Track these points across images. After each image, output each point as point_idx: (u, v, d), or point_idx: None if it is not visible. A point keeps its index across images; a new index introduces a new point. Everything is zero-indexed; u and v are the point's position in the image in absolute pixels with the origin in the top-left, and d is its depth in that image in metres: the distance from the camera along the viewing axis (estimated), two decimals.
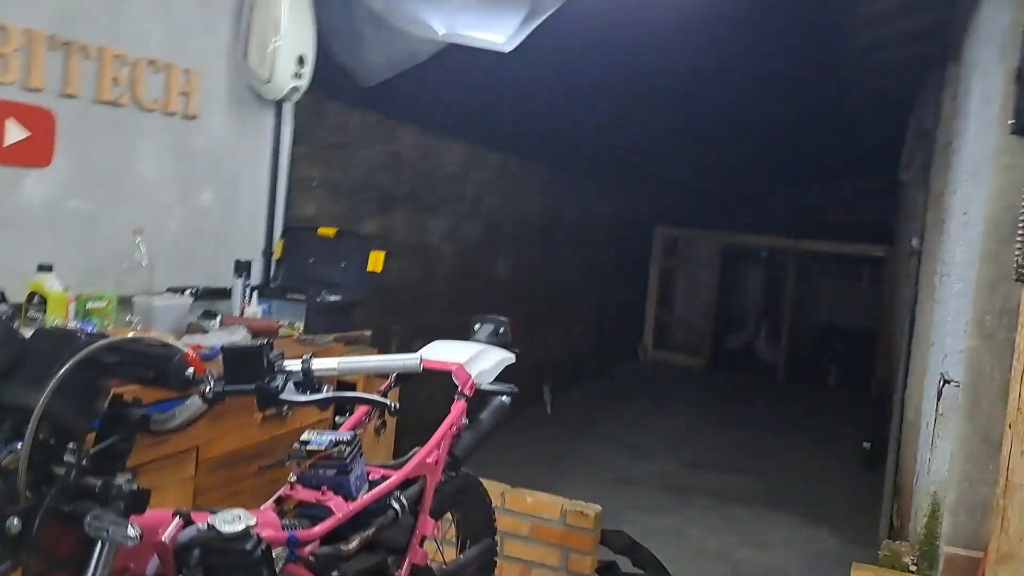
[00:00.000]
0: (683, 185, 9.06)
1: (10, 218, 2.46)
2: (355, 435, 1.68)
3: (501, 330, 2.29)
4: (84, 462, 1.01)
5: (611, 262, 8.25)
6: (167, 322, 2.75)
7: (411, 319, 4.82)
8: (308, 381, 1.12)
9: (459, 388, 1.95)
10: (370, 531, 1.63)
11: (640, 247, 9.23)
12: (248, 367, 1.09)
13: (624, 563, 3.32)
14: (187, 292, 2.99)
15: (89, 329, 1.13)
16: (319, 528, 1.53)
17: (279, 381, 1.09)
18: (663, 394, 7.86)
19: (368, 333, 3.10)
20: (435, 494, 1.93)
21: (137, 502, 1.04)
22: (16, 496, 0.93)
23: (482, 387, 2.01)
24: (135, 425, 1.09)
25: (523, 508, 3.03)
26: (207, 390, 1.06)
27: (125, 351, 1.07)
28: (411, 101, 4.23)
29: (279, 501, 1.62)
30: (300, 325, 3.06)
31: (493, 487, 3.06)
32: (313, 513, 1.59)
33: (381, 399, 1.32)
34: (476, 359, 2.08)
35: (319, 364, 1.13)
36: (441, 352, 2.08)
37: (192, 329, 2.83)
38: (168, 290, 2.96)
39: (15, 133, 2.44)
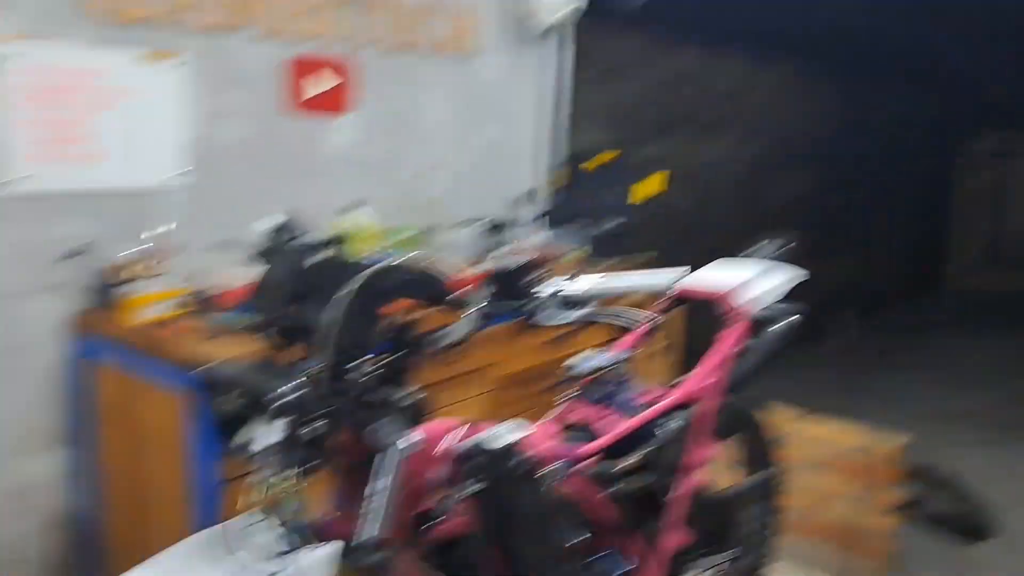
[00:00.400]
0: (1013, 82, 7.84)
1: (324, 162, 2.75)
2: (626, 357, 1.69)
3: (784, 248, 2.16)
4: (374, 376, 1.12)
5: (918, 179, 7.42)
6: (462, 251, 2.94)
7: (690, 243, 4.72)
8: (566, 303, 1.14)
9: (734, 312, 1.88)
10: (645, 450, 1.64)
11: (951, 161, 8.19)
12: (510, 289, 1.13)
13: (935, 502, 3.06)
14: (480, 223, 3.17)
15: (387, 259, 1.24)
16: (595, 444, 1.56)
17: (533, 304, 1.12)
18: (980, 322, 7.01)
19: (653, 255, 3.08)
20: (711, 419, 1.89)
21: (417, 413, 1.13)
22: (320, 403, 1.06)
23: (761, 310, 1.92)
24: (416, 343, 1.18)
25: (821, 437, 2.89)
26: (470, 311, 1.12)
27: (398, 277, 1.17)
28: (688, 16, 4.06)
29: (559, 419, 1.69)
30: (583, 250, 3.12)
31: (789, 414, 2.95)
32: (585, 431, 1.64)
33: (626, 319, 1.29)
34: (755, 281, 1.97)
35: (571, 287, 1.15)
36: (719, 273, 2.01)
37: (484, 257, 3.01)
38: (464, 222, 3.16)
39: (323, 84, 2.70)
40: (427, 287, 1.17)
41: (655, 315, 1.97)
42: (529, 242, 3.14)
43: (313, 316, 1.07)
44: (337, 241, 1.28)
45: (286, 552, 1.05)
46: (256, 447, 1.06)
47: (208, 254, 2.17)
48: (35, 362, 2.17)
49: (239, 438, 1.07)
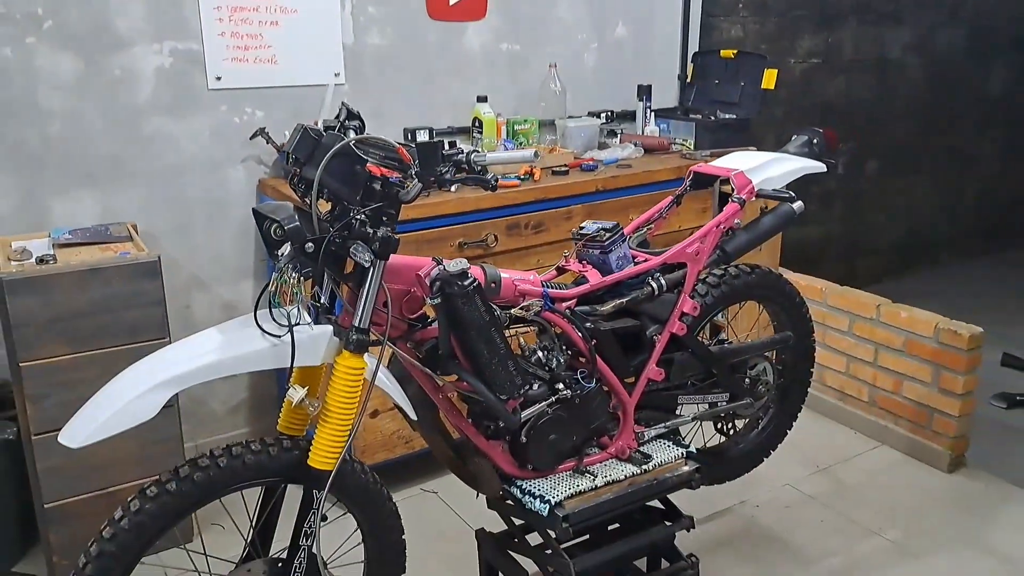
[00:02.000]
0: None
1: (457, 61, 3.28)
2: (617, 224, 2.09)
3: (815, 141, 2.38)
4: (359, 219, 1.65)
5: None
6: (579, 140, 3.36)
7: (863, 139, 4.71)
8: (470, 167, 1.58)
9: (734, 191, 2.19)
10: (622, 299, 2.07)
11: None
12: (429, 158, 1.58)
13: None
14: (602, 115, 3.56)
15: (463, 151, 1.63)
16: (572, 291, 2.02)
17: (444, 168, 1.58)
18: None
19: (752, 148, 3.31)
20: (713, 283, 2.25)
21: (386, 245, 1.65)
22: (312, 229, 1.62)
23: (762, 192, 2.21)
24: (391, 196, 1.68)
25: (897, 322, 3.06)
26: (411, 173, 1.60)
27: (369, 146, 1.67)
28: None
29: (559, 270, 2.15)
30: (690, 142, 3.42)
31: (869, 299, 3.15)
32: (579, 281, 2.09)
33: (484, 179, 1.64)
34: (764, 167, 2.25)
35: (475, 156, 1.58)
36: (733, 160, 2.31)
37: (600, 146, 3.41)
38: (588, 114, 3.57)
39: None
40: (387, 155, 1.66)
41: (679, 197, 2.34)
42: (642, 133, 3.50)
43: (310, 172, 1.62)
44: (354, 116, 1.79)
45: (296, 324, 1.64)
46: (281, 258, 1.65)
47: None
48: (234, 214, 2.97)
49: (277, 253, 1.67)
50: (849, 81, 4.58)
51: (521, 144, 3.24)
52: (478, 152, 1.63)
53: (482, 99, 3.20)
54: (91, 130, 2.68)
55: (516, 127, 3.28)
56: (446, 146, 1.62)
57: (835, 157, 2.39)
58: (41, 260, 2.34)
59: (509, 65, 3.39)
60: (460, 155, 1.62)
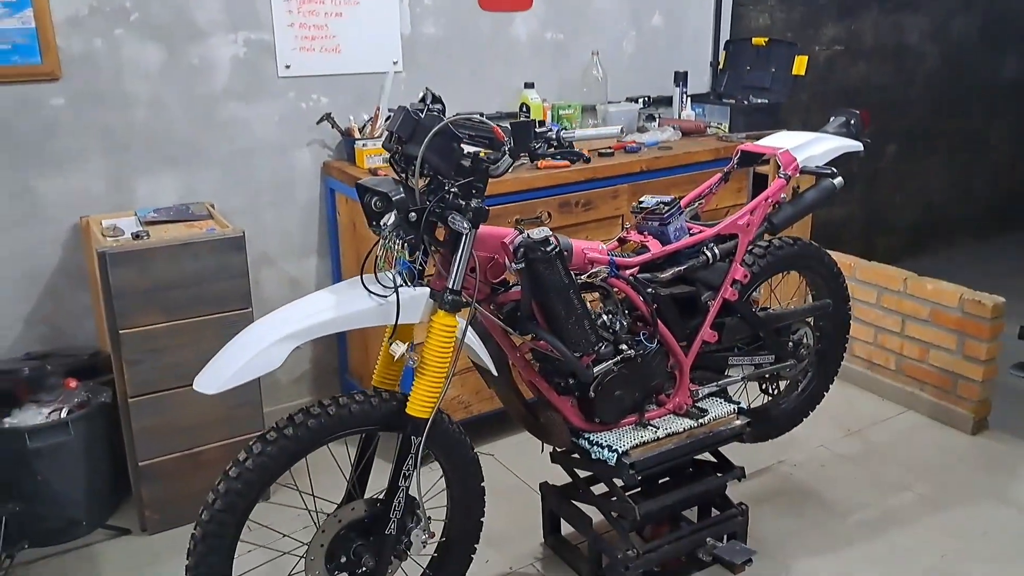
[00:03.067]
0: None
1: (505, 50, 3.46)
2: (675, 198, 2.28)
3: (852, 121, 2.56)
4: (453, 192, 1.83)
5: None
6: (619, 123, 3.53)
7: (882, 123, 4.88)
8: (560, 143, 1.77)
9: (781, 168, 2.37)
10: (681, 267, 2.26)
11: None
12: (523, 136, 1.76)
13: None
14: (640, 100, 3.74)
15: (554, 128, 1.78)
16: (635, 259, 2.21)
17: (538, 144, 1.76)
18: None
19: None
20: (759, 254, 2.44)
21: (479, 214, 1.83)
22: (414, 200, 1.80)
23: (806, 169, 2.39)
24: (480, 171, 1.87)
25: (923, 294, 3.24)
26: (505, 150, 1.79)
27: (466, 126, 1.85)
28: None
29: (621, 241, 2.34)
30: (725, 125, 3.59)
31: (897, 273, 3.33)
32: (640, 252, 2.28)
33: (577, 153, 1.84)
34: (807, 145, 2.44)
35: (564, 133, 1.77)
36: (777, 139, 2.49)
37: (639, 129, 3.59)
38: (626, 99, 3.75)
39: None
40: (481, 133, 1.84)
41: (728, 175, 2.52)
42: (679, 118, 3.68)
43: (412, 152, 1.81)
44: (437, 99, 1.97)
45: (400, 286, 1.83)
46: (384, 227, 1.84)
47: None
48: (300, 194, 3.16)
49: (382, 222, 1.86)
50: (869, 67, 4.75)
51: (565, 128, 3.41)
52: (567, 129, 1.82)
53: (529, 85, 3.38)
54: (172, 116, 2.87)
55: (560, 112, 3.46)
56: (537, 125, 1.80)
57: (870, 136, 2.56)
58: (136, 236, 2.53)
59: (553, 53, 3.56)
60: (551, 132, 1.81)
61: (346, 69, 3.11)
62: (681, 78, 3.66)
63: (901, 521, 2.67)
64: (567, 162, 3.02)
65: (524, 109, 3.39)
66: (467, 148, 1.88)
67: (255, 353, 1.74)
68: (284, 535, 2.22)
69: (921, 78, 5.05)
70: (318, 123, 3.08)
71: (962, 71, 5.22)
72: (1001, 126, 5.65)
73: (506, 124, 1.81)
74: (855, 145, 2.51)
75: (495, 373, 2.05)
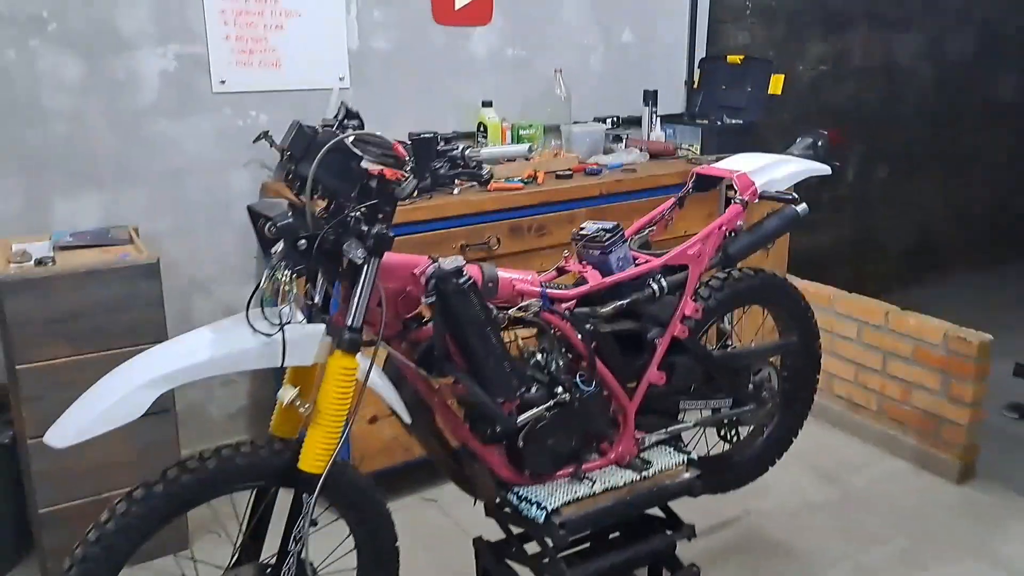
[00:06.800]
0: None
1: (462, 66, 3.26)
2: (617, 224, 2.06)
3: (819, 143, 2.35)
4: (353, 216, 1.63)
5: None
6: (583, 145, 3.34)
7: (869, 144, 4.67)
8: (465, 163, 1.56)
9: (737, 193, 2.16)
10: (624, 301, 2.03)
11: None
12: (425, 154, 1.56)
13: None
14: (607, 121, 3.54)
15: (458, 146, 1.60)
16: (571, 291, 1.99)
17: (439, 163, 1.56)
18: None
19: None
20: (716, 286, 2.22)
21: (381, 242, 1.62)
22: (305, 226, 1.60)
23: (765, 194, 2.18)
24: (386, 193, 1.67)
25: (905, 329, 3.01)
26: (407, 169, 1.58)
27: (366, 143, 1.66)
28: None
29: (559, 271, 2.12)
30: (697, 147, 3.39)
31: (878, 306, 3.10)
32: (579, 282, 2.06)
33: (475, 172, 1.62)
34: (767, 168, 2.22)
35: (470, 151, 1.56)
36: (736, 162, 2.28)
37: (605, 151, 3.39)
38: (594, 119, 3.55)
39: None
40: (382, 151, 1.65)
41: (682, 200, 2.31)
42: (648, 139, 3.47)
43: (305, 171, 1.61)
44: (353, 115, 1.78)
45: (288, 323, 1.62)
46: (273, 256, 1.64)
47: None
48: (237, 216, 2.95)
49: (272, 250, 1.66)
50: (858, 86, 4.55)
51: (469, 147, 3.21)
52: (472, 147, 1.61)
53: (487, 104, 3.19)
54: (94, 132, 2.68)
55: (521, 132, 3.26)
56: (441, 142, 1.60)
57: (840, 159, 2.35)
58: (39, 262, 2.33)
59: (514, 70, 3.37)
60: (455, 150, 1.60)
61: (287, 85, 2.92)
62: (651, 97, 3.45)
63: None
64: (520, 184, 2.85)
65: (482, 129, 3.19)
66: (373, 167, 1.69)
67: (115, 401, 1.53)
68: None
69: (913, 97, 4.84)
70: (255, 142, 2.84)
71: (956, 90, 5.00)
72: (999, 147, 5.43)
73: (407, 141, 1.61)
74: (821, 168, 2.29)
75: (406, 420, 1.83)
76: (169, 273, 2.80)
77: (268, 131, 2.90)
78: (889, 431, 3.13)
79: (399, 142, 1.62)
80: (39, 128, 2.60)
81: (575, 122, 3.41)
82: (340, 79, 3.01)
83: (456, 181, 1.63)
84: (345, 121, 1.89)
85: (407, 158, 1.59)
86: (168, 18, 2.71)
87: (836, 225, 4.68)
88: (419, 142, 1.58)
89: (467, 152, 1.60)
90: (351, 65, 3.02)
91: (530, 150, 1.61)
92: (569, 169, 3.02)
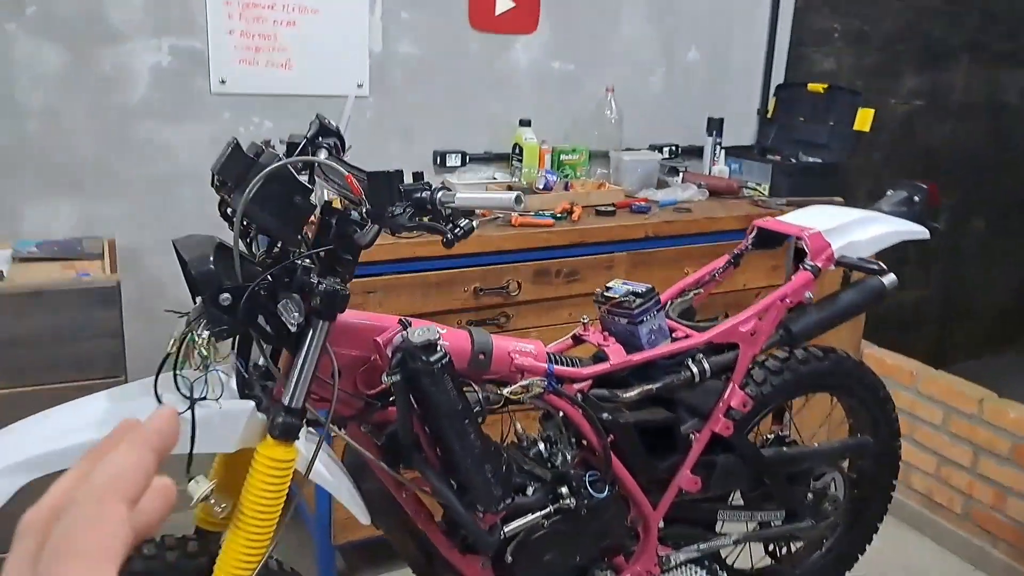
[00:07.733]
0: None
1: (500, 79, 2.87)
2: (651, 289, 1.64)
3: (916, 198, 1.89)
4: (300, 265, 1.26)
5: None
6: (634, 176, 2.92)
7: (969, 193, 4.12)
8: (435, 209, 1.16)
9: (807, 257, 1.71)
10: (653, 385, 1.61)
11: None
12: (382, 193, 1.18)
13: None
14: (663, 150, 3.11)
15: (429, 188, 1.24)
16: (586, 370, 1.57)
17: (400, 207, 1.17)
18: None
19: (839, 200, 2.80)
20: (774, 369, 1.78)
21: (330, 301, 1.25)
22: (232, 275, 1.23)
23: (844, 261, 1.73)
24: (345, 238, 1.29)
25: (1004, 422, 2.51)
26: (363, 210, 1.21)
27: (326, 171, 1.29)
28: None
29: (575, 339, 1.71)
30: (765, 186, 2.93)
31: (971, 391, 2.61)
32: (599, 357, 1.64)
33: (444, 229, 1.21)
34: (849, 227, 1.77)
35: (442, 195, 1.16)
36: (810, 216, 1.84)
37: (659, 184, 2.96)
38: (648, 147, 3.13)
39: (505, 2, 2.80)
40: (336, 183, 1.28)
41: (738, 257, 1.87)
42: (709, 173, 3.03)
43: (237, 200, 1.24)
44: (330, 132, 1.43)
45: (201, 398, 1.26)
46: (191, 311, 1.29)
47: None
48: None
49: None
50: (957, 127, 4.02)
51: (567, 177, 2.81)
52: (445, 191, 1.21)
53: (525, 123, 2.80)
54: (74, 131, 2.37)
55: (562, 156, 2.86)
56: (408, 178, 1.21)
57: (937, 219, 1.89)
58: None
59: (560, 86, 2.97)
60: (423, 192, 1.21)
61: (297, 89, 2.58)
62: (716, 126, 3.01)
63: None
64: (550, 220, 2.45)
65: (517, 151, 2.80)
66: (333, 201, 1.32)
67: None
68: None
69: (1020, 142, 4.27)
70: (255, 156, 2.53)
71: None
72: None
73: (362, 174, 1.23)
74: (918, 231, 1.84)
75: (363, 521, 1.44)
76: (147, 294, 2.49)
77: (268, 140, 2.54)
78: (975, 540, 2.61)
79: (354, 172, 1.23)
80: (11, 123, 2.30)
81: (626, 149, 2.99)
82: (359, 86, 2.65)
83: (417, 233, 1.23)
84: (318, 139, 1.53)
85: (361, 196, 1.21)
86: (165, 6, 2.39)
87: (922, 282, 4.14)
88: (376, 177, 1.20)
89: (439, 196, 1.20)
90: (372, 70, 2.66)
91: (518, 201, 1.20)
92: (612, 204, 2.61)
